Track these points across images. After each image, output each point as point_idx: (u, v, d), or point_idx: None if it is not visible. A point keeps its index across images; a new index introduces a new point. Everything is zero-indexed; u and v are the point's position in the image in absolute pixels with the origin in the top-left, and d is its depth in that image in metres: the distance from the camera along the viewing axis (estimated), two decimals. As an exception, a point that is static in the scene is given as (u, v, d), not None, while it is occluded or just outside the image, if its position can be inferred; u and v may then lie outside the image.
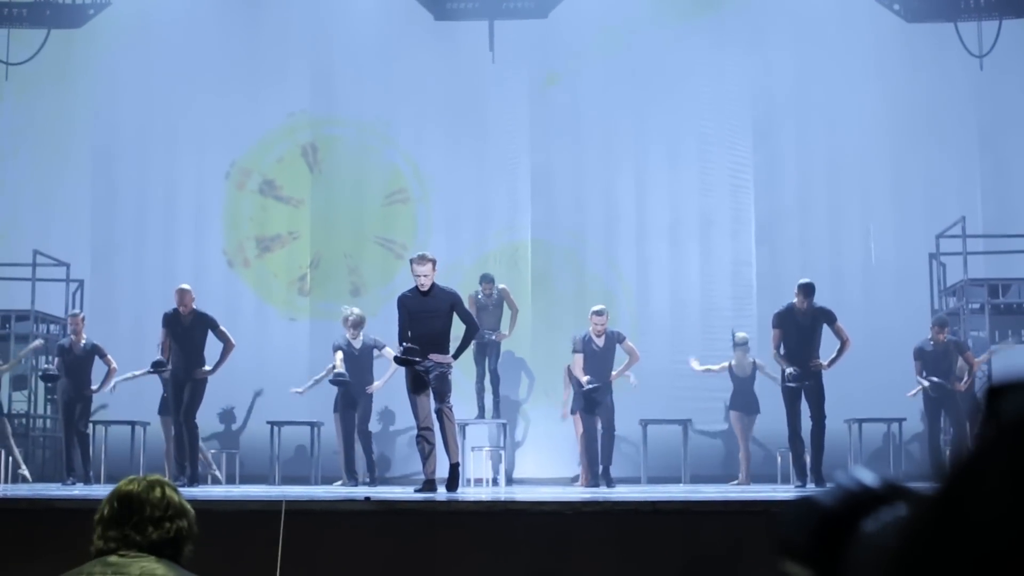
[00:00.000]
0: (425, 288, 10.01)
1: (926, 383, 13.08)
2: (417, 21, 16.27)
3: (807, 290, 11.68)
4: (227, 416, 15.21)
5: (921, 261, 15.29)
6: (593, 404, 12.58)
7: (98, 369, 13.43)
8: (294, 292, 16.23)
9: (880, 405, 13.89)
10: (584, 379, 12.46)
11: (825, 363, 11.64)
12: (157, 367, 12.27)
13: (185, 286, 12.35)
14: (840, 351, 11.72)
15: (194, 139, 16.42)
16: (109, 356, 13.29)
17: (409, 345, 9.99)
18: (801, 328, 11.69)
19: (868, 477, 1.15)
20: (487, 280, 13.88)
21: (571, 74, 16.38)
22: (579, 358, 12.64)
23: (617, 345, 12.76)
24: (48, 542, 7.25)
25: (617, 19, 16.30)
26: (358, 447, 13.43)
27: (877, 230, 15.93)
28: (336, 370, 13.23)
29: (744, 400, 14.03)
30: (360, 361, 13.38)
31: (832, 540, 1.12)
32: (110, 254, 16.27)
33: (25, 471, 13.75)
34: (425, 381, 10.01)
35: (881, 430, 14.29)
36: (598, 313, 12.72)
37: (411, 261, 10.24)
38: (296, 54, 16.46)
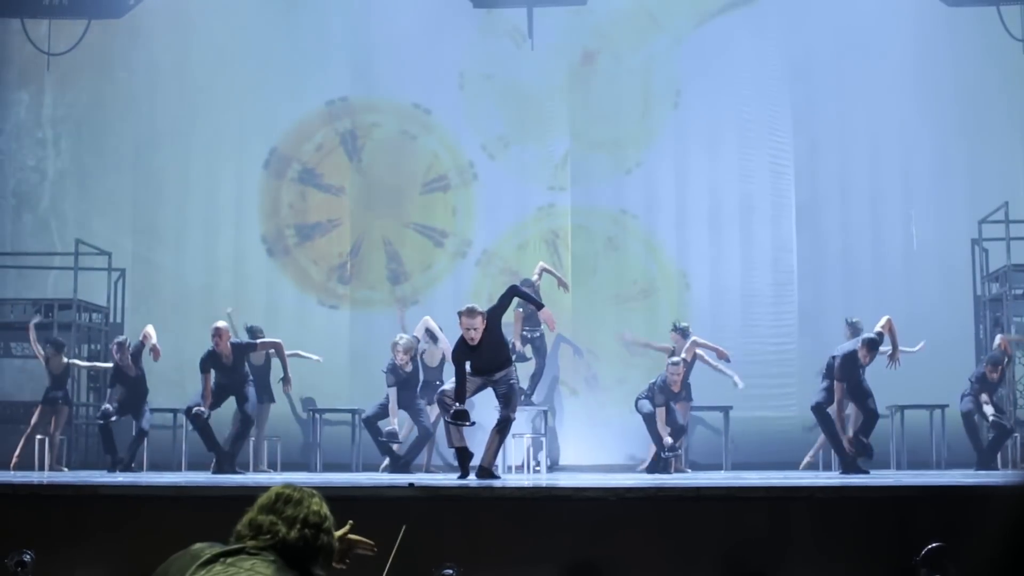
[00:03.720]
0: (475, 342, 9.92)
1: (989, 411, 13.07)
2: (456, 8, 16.25)
3: (872, 346, 11.63)
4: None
5: (963, 247, 15.19)
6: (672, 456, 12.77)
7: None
8: (334, 280, 16.24)
9: (922, 391, 13.81)
10: (667, 441, 12.59)
11: (894, 362, 11.78)
12: (195, 418, 12.34)
13: (221, 324, 12.57)
14: (893, 339, 11.80)
15: (233, 128, 16.46)
16: (151, 349, 13.31)
17: (459, 408, 9.95)
18: (861, 378, 11.74)
19: None
20: (527, 284, 13.75)
21: (610, 59, 16.33)
22: (662, 411, 12.70)
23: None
24: (94, 528, 7.31)
25: (655, 4, 16.25)
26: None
27: (919, 215, 15.80)
28: (389, 429, 13.21)
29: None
30: (412, 382, 13.42)
31: None
32: (151, 243, 16.32)
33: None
34: (477, 384, 10.11)
35: (924, 416, 14.18)
36: (675, 364, 12.80)
37: (459, 314, 10.05)
38: (335, 42, 16.46)
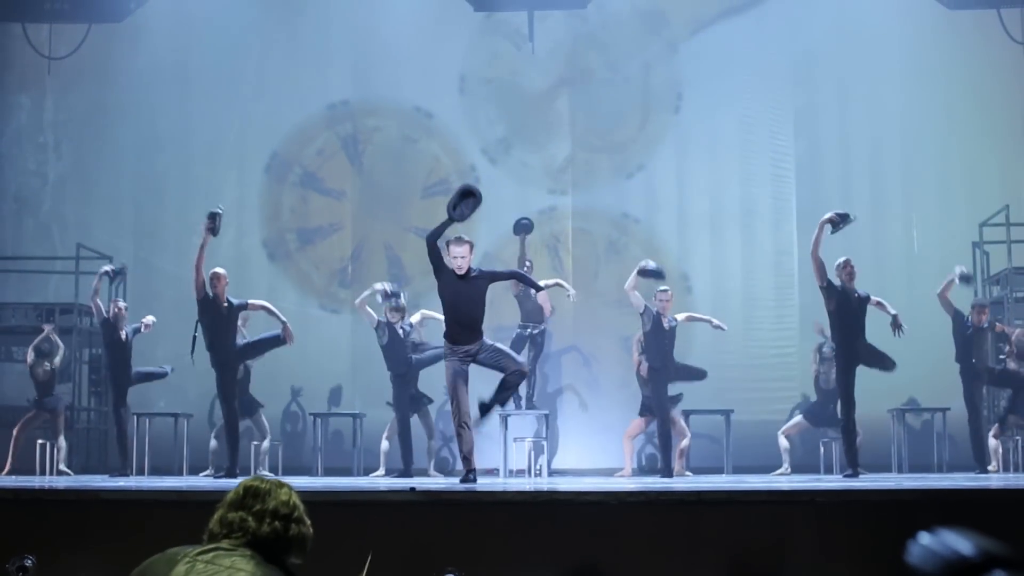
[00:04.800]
0: (462, 271, 9.88)
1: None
2: (457, 11, 16.25)
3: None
4: (268, 408, 15.15)
5: (964, 250, 15.17)
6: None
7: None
8: (335, 284, 16.26)
9: (923, 394, 13.81)
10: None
11: (898, 329, 11.68)
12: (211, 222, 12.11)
13: (219, 270, 12.32)
14: (886, 309, 11.79)
15: (234, 132, 16.48)
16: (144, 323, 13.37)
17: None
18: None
19: (963, 545, 1.13)
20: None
21: (611, 63, 16.33)
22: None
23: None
24: (95, 533, 7.29)
25: (656, 7, 16.26)
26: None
27: (920, 219, 15.82)
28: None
29: (824, 415, 13.69)
30: (403, 342, 13.30)
31: None
32: (152, 247, 16.33)
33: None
34: (466, 376, 9.94)
35: (924, 419, 14.16)
36: (663, 290, 12.81)
37: (447, 243, 10.05)
38: (335, 46, 16.47)
